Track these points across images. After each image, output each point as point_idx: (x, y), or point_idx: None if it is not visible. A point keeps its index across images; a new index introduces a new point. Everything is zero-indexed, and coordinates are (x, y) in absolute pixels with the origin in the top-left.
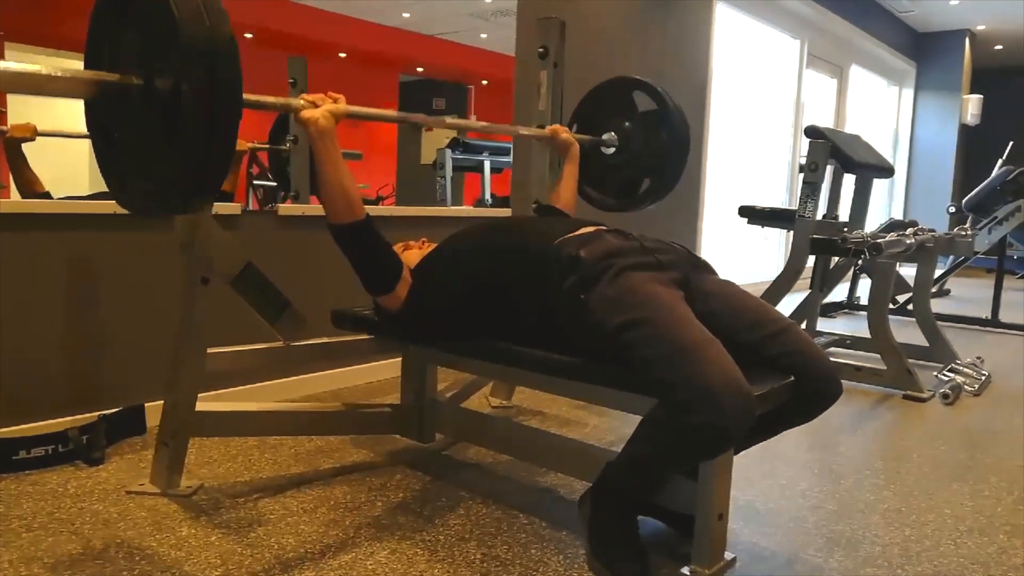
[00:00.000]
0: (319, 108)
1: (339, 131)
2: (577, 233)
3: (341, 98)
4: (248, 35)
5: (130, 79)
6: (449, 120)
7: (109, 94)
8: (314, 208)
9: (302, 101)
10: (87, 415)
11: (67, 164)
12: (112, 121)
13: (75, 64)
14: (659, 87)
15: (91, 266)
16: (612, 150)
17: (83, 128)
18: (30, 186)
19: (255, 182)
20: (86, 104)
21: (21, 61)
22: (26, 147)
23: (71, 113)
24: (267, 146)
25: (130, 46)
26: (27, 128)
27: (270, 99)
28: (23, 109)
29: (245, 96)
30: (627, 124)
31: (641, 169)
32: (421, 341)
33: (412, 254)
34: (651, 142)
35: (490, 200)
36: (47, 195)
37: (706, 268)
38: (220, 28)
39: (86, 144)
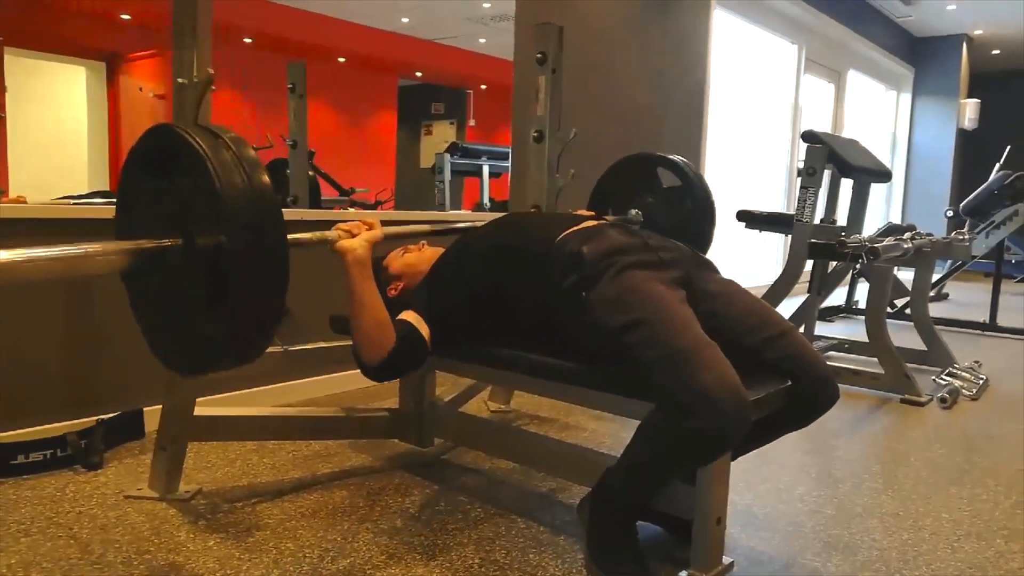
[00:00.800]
0: (355, 238)
1: (337, 132)
2: (580, 227)
3: (376, 223)
4: (247, 40)
5: (169, 242)
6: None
7: (148, 259)
8: (313, 213)
9: (337, 233)
10: (85, 420)
11: (67, 164)
12: (150, 284)
13: (76, 69)
14: (681, 160)
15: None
16: (637, 228)
17: (82, 133)
18: None
19: None
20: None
21: (21, 65)
22: (28, 148)
23: (74, 115)
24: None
25: (166, 209)
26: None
27: (307, 236)
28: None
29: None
30: (650, 199)
31: None
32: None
33: (411, 258)
34: (676, 215)
35: (489, 204)
36: None
37: (709, 267)
38: (259, 186)
39: (85, 144)
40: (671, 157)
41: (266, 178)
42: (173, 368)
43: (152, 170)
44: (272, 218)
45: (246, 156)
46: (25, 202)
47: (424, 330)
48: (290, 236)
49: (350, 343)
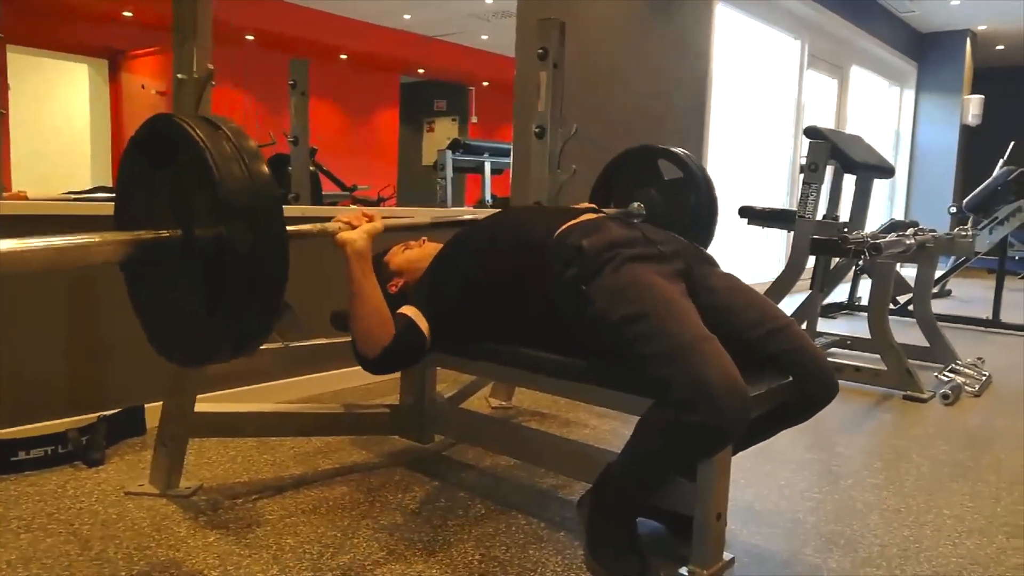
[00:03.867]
0: (356, 229)
1: (339, 131)
2: (579, 221)
3: (377, 215)
4: (249, 37)
5: (168, 233)
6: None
7: (147, 250)
8: (315, 210)
9: (337, 224)
10: (87, 416)
11: (69, 161)
12: (149, 274)
13: (78, 66)
14: (683, 153)
15: (91, 267)
16: (639, 220)
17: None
18: None
19: None
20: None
21: (23, 63)
22: (30, 145)
23: (76, 112)
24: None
25: (166, 199)
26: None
27: (307, 228)
28: (27, 103)
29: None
30: (652, 192)
31: None
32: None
33: (413, 254)
34: (678, 208)
35: (490, 201)
36: None
37: (709, 261)
38: (258, 177)
39: (87, 141)
40: (673, 149)
41: (266, 169)
42: (171, 359)
43: (152, 160)
44: (272, 210)
45: (246, 147)
46: (27, 198)
47: (423, 324)
48: (290, 228)
49: (350, 339)
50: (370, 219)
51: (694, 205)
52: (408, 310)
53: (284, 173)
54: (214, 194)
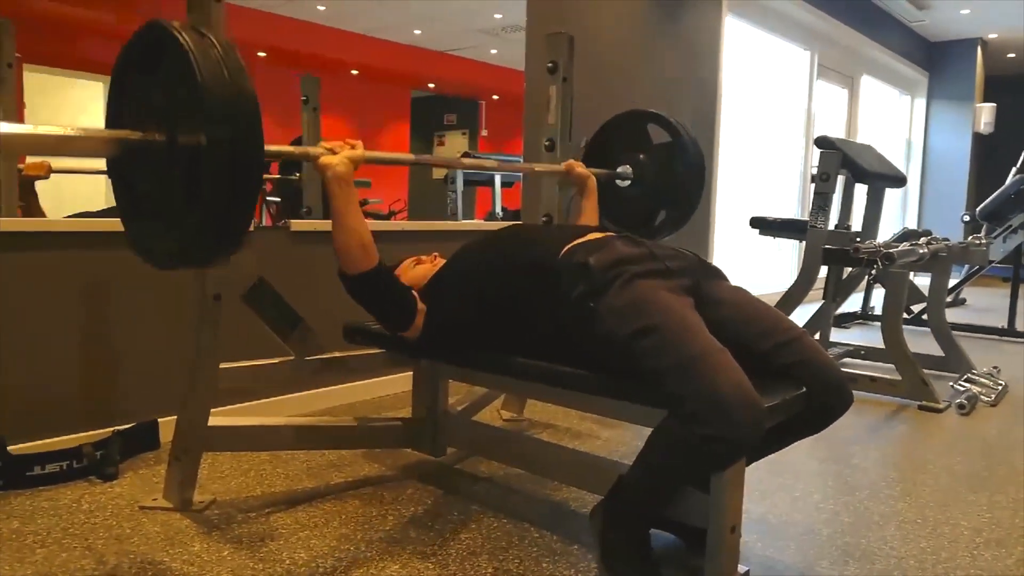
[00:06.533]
0: (337, 155)
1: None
2: (585, 239)
3: (359, 144)
4: (261, 54)
5: (152, 136)
6: (466, 160)
7: (132, 152)
8: (326, 224)
9: (321, 149)
10: (101, 431)
11: (84, 180)
12: (135, 177)
13: (93, 85)
14: (673, 119)
15: (105, 282)
16: (627, 183)
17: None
18: None
19: (268, 198)
20: (108, 161)
21: (40, 82)
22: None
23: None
24: (277, 176)
25: (152, 103)
26: (41, 166)
27: (289, 148)
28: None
29: (266, 147)
30: (641, 156)
31: (657, 200)
32: (434, 356)
33: (424, 269)
34: (666, 173)
35: (501, 214)
36: None
37: (717, 274)
38: (241, 84)
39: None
40: (661, 113)
41: (249, 83)
42: (151, 262)
43: (141, 66)
44: (251, 119)
45: (231, 59)
46: (48, 166)
47: (420, 303)
48: (274, 148)
49: (364, 352)
50: (352, 147)
51: (682, 169)
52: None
53: (296, 188)
54: (197, 100)
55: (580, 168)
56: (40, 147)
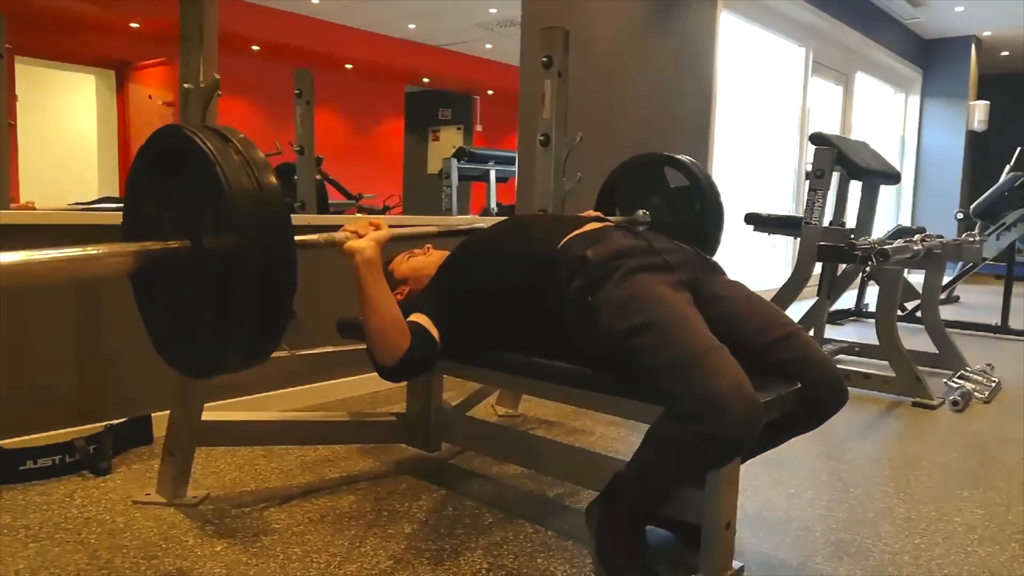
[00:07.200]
0: (363, 238)
1: (345, 138)
2: (583, 231)
3: (382, 223)
4: (255, 48)
5: (176, 244)
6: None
7: (155, 261)
8: (321, 218)
9: (345, 234)
10: (94, 425)
11: (76, 172)
12: (158, 286)
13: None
14: (690, 160)
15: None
16: (644, 228)
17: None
18: None
19: None
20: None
21: (31, 74)
22: (38, 156)
23: (83, 123)
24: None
25: (172, 208)
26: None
27: (314, 238)
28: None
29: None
30: (658, 200)
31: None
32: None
33: (418, 261)
34: (684, 217)
35: (496, 209)
36: None
37: (715, 269)
38: (267, 184)
39: (95, 151)
40: (679, 157)
41: (274, 180)
42: (180, 370)
43: (160, 171)
44: (280, 221)
45: (254, 158)
46: (35, 208)
47: (435, 332)
48: (297, 238)
49: (358, 347)
50: (376, 227)
51: (700, 213)
52: (419, 318)
53: (290, 182)
54: (223, 206)
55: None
56: (56, 275)
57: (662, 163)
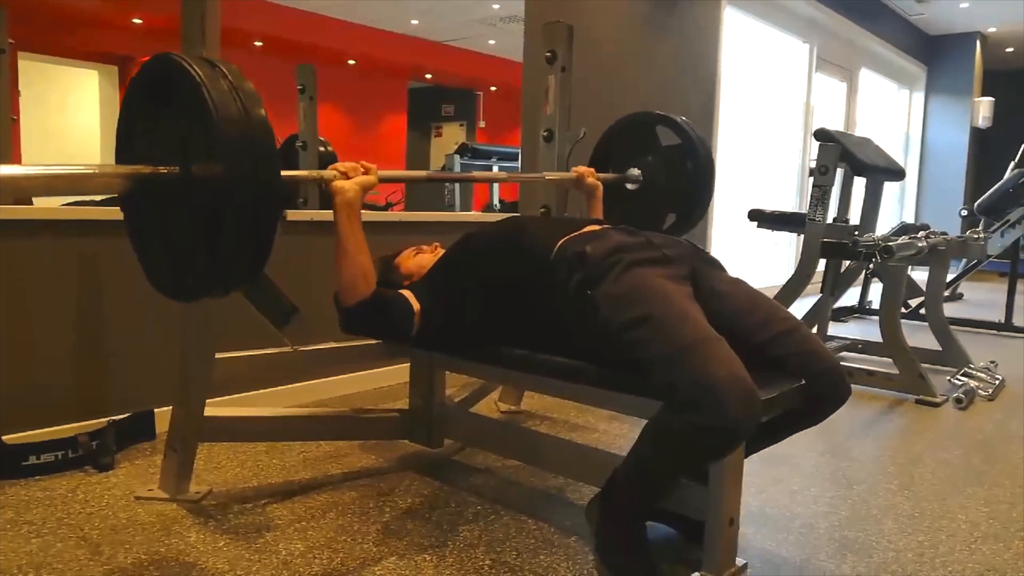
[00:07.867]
0: (350, 180)
1: (348, 136)
2: (583, 231)
3: (373, 168)
4: (258, 43)
5: (166, 169)
6: (477, 174)
7: (145, 185)
8: (322, 214)
9: (334, 172)
10: (97, 421)
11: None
12: (148, 211)
13: (88, 72)
14: (681, 120)
15: (100, 271)
16: (636, 186)
17: (95, 136)
18: None
19: None
20: (120, 196)
21: (34, 70)
22: (41, 150)
23: (86, 118)
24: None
25: (163, 136)
26: None
27: (303, 173)
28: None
29: (282, 173)
30: (650, 159)
31: (667, 203)
32: (431, 348)
33: (425, 258)
34: (676, 175)
35: (499, 205)
36: None
37: (715, 264)
38: (255, 113)
39: (98, 146)
40: (670, 115)
41: (263, 112)
42: (166, 294)
43: (152, 97)
44: (267, 150)
45: (244, 88)
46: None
47: (415, 304)
48: (286, 173)
49: (361, 343)
50: (366, 171)
51: (692, 171)
52: (403, 292)
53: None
54: (211, 133)
55: (591, 178)
56: (49, 187)
57: (655, 122)
